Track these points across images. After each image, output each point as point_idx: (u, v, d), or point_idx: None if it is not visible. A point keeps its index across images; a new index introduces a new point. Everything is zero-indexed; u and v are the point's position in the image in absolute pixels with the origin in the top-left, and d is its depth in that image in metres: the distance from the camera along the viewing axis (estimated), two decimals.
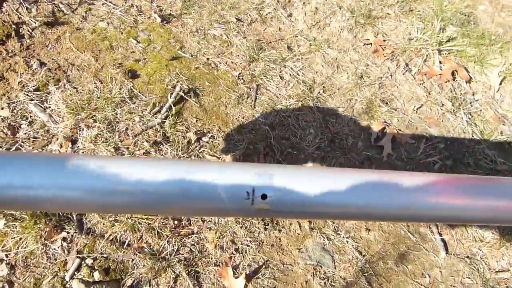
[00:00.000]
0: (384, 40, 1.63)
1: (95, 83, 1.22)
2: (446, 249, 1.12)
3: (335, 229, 1.12)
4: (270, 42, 1.55)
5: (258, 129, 1.27)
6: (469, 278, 1.09)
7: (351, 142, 1.31)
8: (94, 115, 1.13)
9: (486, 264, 1.12)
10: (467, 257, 1.12)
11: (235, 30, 1.52)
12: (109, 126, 1.13)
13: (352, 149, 1.29)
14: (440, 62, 1.57)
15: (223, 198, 0.44)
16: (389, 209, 0.46)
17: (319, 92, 1.41)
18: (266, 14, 1.64)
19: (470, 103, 1.48)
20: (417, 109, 1.42)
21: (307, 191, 0.47)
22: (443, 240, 1.14)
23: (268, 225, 1.09)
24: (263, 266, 1.02)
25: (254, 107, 1.31)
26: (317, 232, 1.10)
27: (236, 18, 1.57)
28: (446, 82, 1.51)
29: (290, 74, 1.43)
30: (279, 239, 1.07)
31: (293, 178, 0.48)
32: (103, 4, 1.46)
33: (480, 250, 1.13)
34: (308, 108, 1.34)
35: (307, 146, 1.27)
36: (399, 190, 0.47)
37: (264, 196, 0.43)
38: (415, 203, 0.47)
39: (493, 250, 1.13)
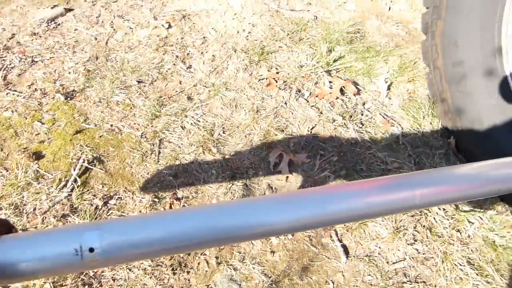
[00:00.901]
0: (277, 72, 1.82)
1: (1, 172, 1.35)
2: (347, 253, 1.26)
3: (241, 258, 1.25)
4: (171, 97, 1.72)
5: (163, 181, 1.41)
6: (369, 275, 1.23)
7: (252, 173, 1.46)
8: (0, 203, 1.26)
9: (384, 258, 1.26)
10: (367, 255, 1.26)
11: (137, 92, 1.69)
12: (16, 210, 1.26)
13: (254, 180, 1.44)
14: (330, 82, 1.76)
15: (54, 258, 0.52)
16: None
17: (219, 134, 1.57)
18: (166, 71, 1.82)
19: (361, 113, 1.66)
20: (311, 129, 1.59)
21: (131, 238, 0.59)
22: (343, 246, 1.28)
23: (176, 269, 1.21)
24: None
25: (158, 161, 1.46)
26: (224, 265, 1.23)
27: (137, 81, 1.74)
28: (336, 99, 1.70)
29: (191, 123, 1.59)
30: (188, 280, 1.20)
31: (120, 228, 0.61)
32: (7, 94, 1.61)
33: (378, 247, 1.27)
34: (209, 151, 1.50)
35: (210, 187, 1.41)
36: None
37: (91, 250, 0.50)
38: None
39: (389, 244, 1.27)
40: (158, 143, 1.49)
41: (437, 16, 1.39)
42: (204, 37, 1.99)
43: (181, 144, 1.50)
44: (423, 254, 1.26)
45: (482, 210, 1.35)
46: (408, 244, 1.27)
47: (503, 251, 1.26)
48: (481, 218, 1.34)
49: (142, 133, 1.52)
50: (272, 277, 1.20)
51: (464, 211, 1.35)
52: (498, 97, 1.27)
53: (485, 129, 1.33)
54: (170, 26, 2.03)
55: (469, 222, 1.33)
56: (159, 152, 1.47)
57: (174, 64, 1.82)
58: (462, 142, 1.46)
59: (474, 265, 1.24)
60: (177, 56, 1.85)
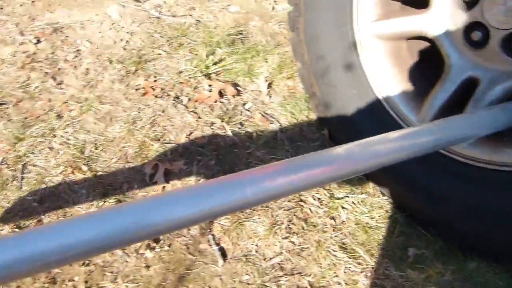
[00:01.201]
0: (155, 81, 1.78)
1: None
2: (224, 256, 1.25)
3: (113, 279, 1.19)
4: (39, 116, 1.61)
5: (26, 208, 1.31)
6: (247, 274, 1.22)
7: (126, 187, 1.40)
8: None
9: (261, 255, 1.26)
10: (244, 255, 1.26)
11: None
12: None
13: (128, 194, 1.39)
14: (210, 86, 1.75)
15: None
16: None
17: (90, 151, 1.49)
18: (34, 89, 1.71)
19: (241, 113, 1.67)
20: (189, 135, 1.57)
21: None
22: (220, 249, 1.27)
23: None
24: None
25: (21, 188, 1.36)
26: None
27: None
28: (215, 102, 1.69)
29: (60, 143, 1.50)
30: None
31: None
32: None
33: (255, 245, 1.28)
34: (79, 170, 1.42)
35: (80, 208, 1.34)
36: None
37: None
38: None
39: (266, 241, 1.28)
40: (22, 168, 1.40)
41: (298, 14, 1.43)
42: (77, 50, 1.90)
43: (48, 166, 1.41)
44: (299, 245, 1.29)
45: (354, 195, 1.41)
46: (284, 238, 1.29)
47: (373, 232, 1.33)
48: (353, 203, 1.40)
49: (2, 159, 1.41)
50: None
51: (338, 198, 1.40)
52: (358, 87, 1.34)
53: (350, 118, 1.39)
54: (39, 41, 1.92)
55: (343, 208, 1.38)
56: (22, 178, 1.37)
57: (42, 82, 1.72)
58: (333, 132, 1.52)
59: (347, 249, 1.28)
60: (46, 73, 1.75)
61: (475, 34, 1.05)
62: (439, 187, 1.23)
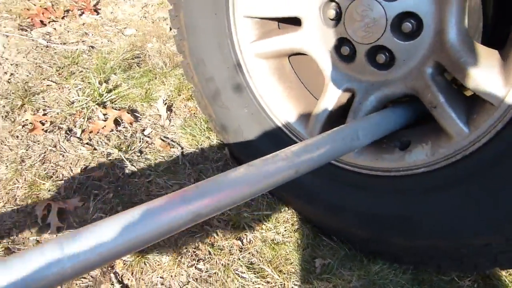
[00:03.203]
0: (44, 114, 1.72)
1: None
2: None
3: None
4: None
5: None
6: None
7: (16, 233, 1.34)
8: None
9: (167, 287, 1.26)
10: None
11: None
12: None
13: (18, 240, 1.32)
14: (104, 114, 1.73)
15: None
16: None
17: None
18: None
19: (140, 140, 1.67)
20: (84, 169, 1.53)
21: None
22: (124, 287, 1.25)
23: None
24: None
25: None
26: None
27: None
28: (111, 131, 1.67)
29: None
30: None
31: None
32: None
33: (160, 277, 1.27)
34: None
35: None
36: None
37: None
38: None
39: (172, 271, 1.29)
40: None
41: (182, 37, 1.48)
42: None
43: None
44: (206, 271, 1.31)
45: (259, 212, 1.47)
46: (190, 266, 1.31)
47: (280, 248, 1.39)
48: (259, 220, 1.46)
49: None
50: None
51: (244, 217, 1.45)
52: (248, 106, 1.40)
53: (246, 137, 1.46)
54: None
55: (249, 226, 1.43)
56: None
57: None
58: (233, 152, 1.57)
59: (255, 269, 1.33)
60: None
61: (344, 49, 1.16)
62: (333, 196, 1.33)
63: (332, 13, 1.13)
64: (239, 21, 1.31)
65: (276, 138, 1.37)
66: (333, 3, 1.13)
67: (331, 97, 1.27)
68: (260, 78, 1.37)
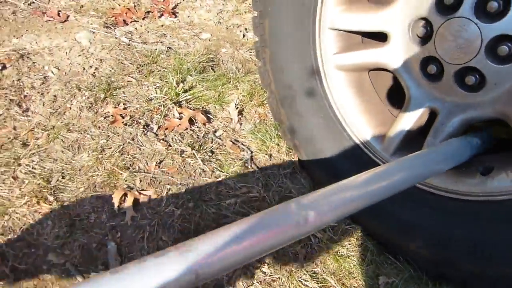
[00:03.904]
0: (124, 108, 1.85)
1: None
2: None
3: None
4: (3, 145, 1.65)
5: None
6: None
7: (94, 218, 1.45)
8: None
9: (231, 285, 1.32)
10: (215, 285, 1.31)
11: None
12: None
13: (96, 225, 1.43)
14: (180, 113, 1.83)
15: None
16: None
17: (57, 180, 1.53)
18: None
19: (211, 141, 1.75)
20: (159, 164, 1.63)
21: None
22: None
23: None
24: None
25: None
26: None
27: None
28: (185, 130, 1.77)
29: (25, 172, 1.54)
30: None
31: None
32: None
33: (226, 275, 1.33)
34: (45, 200, 1.46)
35: (45, 240, 1.37)
36: None
37: None
38: None
39: (236, 271, 1.34)
40: None
41: (264, 44, 1.54)
42: (45, 77, 1.96)
43: (12, 196, 1.45)
44: (270, 276, 1.35)
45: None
46: (255, 268, 1.35)
47: (343, 260, 1.41)
48: (324, 231, 1.48)
49: None
50: None
51: None
52: (322, 116, 1.44)
53: (316, 145, 1.49)
54: (4, 67, 1.97)
55: (315, 236, 1.46)
56: None
57: (7, 109, 1.76)
58: (302, 160, 1.61)
59: (318, 278, 1.36)
60: (11, 100, 1.80)
61: (431, 67, 1.17)
62: (405, 215, 1.33)
63: (422, 31, 1.15)
64: (324, 32, 1.35)
65: (348, 151, 1.40)
66: (424, 21, 1.14)
67: (411, 115, 1.27)
68: (338, 89, 1.40)
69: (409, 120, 1.28)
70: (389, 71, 1.31)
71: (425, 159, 1.02)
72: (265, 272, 1.37)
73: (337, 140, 1.41)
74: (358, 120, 1.40)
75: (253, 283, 1.34)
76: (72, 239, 1.38)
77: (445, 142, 1.16)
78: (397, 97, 1.34)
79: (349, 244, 1.45)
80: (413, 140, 1.30)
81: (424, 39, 1.16)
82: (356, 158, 1.38)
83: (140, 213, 1.48)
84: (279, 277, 1.36)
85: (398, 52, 1.24)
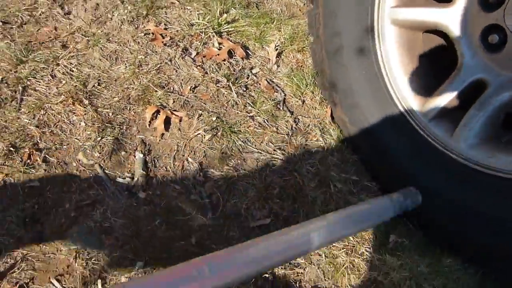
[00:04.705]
0: (165, 28, 1.85)
1: None
2: (213, 210, 1.35)
3: (102, 212, 1.29)
4: (43, 43, 1.67)
5: (23, 130, 1.39)
6: (232, 231, 1.34)
7: (125, 128, 1.49)
8: None
9: (249, 215, 1.38)
10: (234, 214, 1.37)
11: (1, 34, 1.61)
12: None
13: (126, 135, 1.48)
14: (220, 43, 1.83)
15: None
16: None
17: (93, 86, 1.57)
18: (40, 14, 1.75)
19: (247, 76, 1.76)
20: (193, 89, 1.65)
21: None
22: (210, 203, 1.38)
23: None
24: None
25: (19, 109, 1.43)
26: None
27: (2, 21, 1.66)
28: (223, 61, 1.78)
29: (63, 72, 1.57)
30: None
31: None
32: None
33: (245, 206, 1.39)
34: (80, 102, 1.50)
35: (77, 139, 1.42)
36: None
37: None
38: None
39: (254, 204, 1.39)
40: (21, 90, 1.46)
41: None
42: None
43: (49, 93, 1.48)
44: (286, 214, 1.40)
45: (347, 176, 1.53)
46: (274, 203, 1.40)
47: None
48: (345, 182, 1.52)
49: (2, 78, 1.47)
50: (133, 230, 1.26)
51: (332, 175, 1.52)
52: (367, 70, 1.44)
53: (354, 99, 1.51)
54: None
55: (334, 186, 1.50)
56: (22, 100, 1.44)
57: (49, 8, 1.77)
58: (336, 111, 1.63)
59: None
60: (54, 0, 1.79)
61: (492, 37, 1.16)
62: (431, 181, 1.35)
63: None
64: None
65: (385, 107, 1.41)
66: None
67: (459, 84, 1.28)
68: (389, 46, 1.39)
69: (455, 88, 1.28)
70: (445, 35, 1.29)
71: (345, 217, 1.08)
72: (284, 209, 1.42)
73: (377, 98, 1.42)
74: (403, 80, 1.40)
75: (270, 215, 1.39)
76: (103, 143, 1.43)
77: (366, 201, 1.25)
78: (446, 63, 1.34)
79: (367, 198, 1.49)
80: (455, 111, 1.31)
81: (493, 6, 1.14)
82: (393, 119, 1.39)
83: (169, 132, 1.52)
84: (295, 215, 1.41)
85: (461, 15, 1.22)
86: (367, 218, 1.14)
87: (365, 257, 1.36)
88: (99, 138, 1.42)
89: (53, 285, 1.16)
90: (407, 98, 1.39)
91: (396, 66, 1.41)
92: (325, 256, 1.35)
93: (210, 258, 0.82)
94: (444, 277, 1.36)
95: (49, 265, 1.17)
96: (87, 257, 1.20)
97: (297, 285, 1.29)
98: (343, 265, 1.33)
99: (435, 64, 1.44)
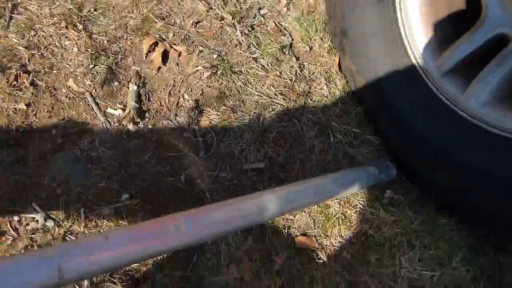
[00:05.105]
0: None
1: None
2: (206, 150, 1.30)
3: (90, 141, 1.24)
4: None
5: (11, 50, 1.32)
6: (224, 172, 1.29)
7: (120, 58, 1.42)
8: None
9: (243, 157, 1.33)
10: (227, 155, 1.32)
11: None
12: None
13: (121, 65, 1.41)
14: None
15: None
16: None
17: (89, 11, 1.48)
18: None
19: (254, 17, 1.67)
20: (195, 23, 1.56)
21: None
22: (204, 141, 1.32)
23: None
24: None
25: (8, 28, 1.35)
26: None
27: None
28: None
29: None
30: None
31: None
32: None
33: (240, 147, 1.33)
34: (74, 27, 1.42)
35: (68, 65, 1.35)
36: None
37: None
38: None
39: (250, 146, 1.34)
40: (11, 8, 1.38)
41: None
42: None
43: (41, 14, 1.40)
44: (283, 160, 1.35)
45: (348, 127, 1.47)
46: (269, 148, 1.35)
47: (356, 166, 1.40)
48: (345, 134, 1.46)
49: None
50: (122, 163, 1.21)
51: (332, 126, 1.46)
52: (383, 17, 1.35)
53: (366, 46, 1.42)
54: None
55: (334, 137, 1.44)
56: (11, 18, 1.37)
57: None
58: (344, 60, 1.54)
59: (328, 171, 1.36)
60: None
61: None
62: (436, 137, 1.29)
63: None
64: None
65: (396, 58, 1.33)
66: None
67: (480, 37, 1.19)
68: None
69: (475, 42, 1.20)
70: None
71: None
72: (279, 154, 1.37)
73: (389, 48, 1.34)
74: (419, 30, 1.31)
75: (265, 158, 1.35)
76: (95, 71, 1.37)
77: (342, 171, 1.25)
78: (467, 15, 1.24)
79: (366, 154, 1.44)
80: (468, 65, 1.23)
81: None
82: (403, 71, 1.31)
83: (167, 66, 1.45)
84: (292, 164, 1.36)
85: None
86: (339, 187, 1.19)
87: (358, 209, 1.32)
88: (92, 66, 1.36)
89: (35, 209, 1.12)
90: (421, 50, 1.30)
91: (414, 14, 1.33)
92: (317, 205, 1.31)
93: (187, 215, 0.86)
94: (437, 236, 1.33)
95: (32, 189, 1.13)
96: (71, 184, 1.16)
97: (286, 232, 1.26)
98: (335, 216, 1.30)
99: (454, 15, 1.35)
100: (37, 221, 1.10)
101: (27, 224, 1.11)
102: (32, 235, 1.10)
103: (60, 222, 1.13)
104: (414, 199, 1.40)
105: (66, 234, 1.13)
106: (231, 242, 1.20)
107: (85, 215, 1.14)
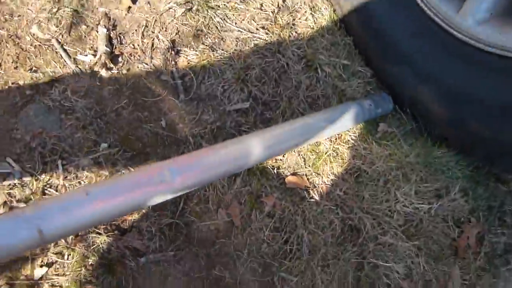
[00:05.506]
0: None
1: None
2: (186, 92, 1.24)
3: (62, 91, 1.17)
4: None
5: None
6: (206, 114, 1.23)
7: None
8: None
9: (225, 98, 1.26)
10: (209, 96, 1.26)
11: None
12: None
13: (87, 7, 1.32)
14: None
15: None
16: None
17: None
18: None
19: None
20: None
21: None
22: (183, 84, 1.25)
23: None
24: None
25: None
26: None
27: None
28: None
29: None
30: None
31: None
32: None
33: (222, 88, 1.27)
34: None
35: (30, 10, 1.27)
36: None
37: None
38: None
39: (231, 86, 1.27)
40: None
41: None
42: None
43: None
44: (268, 97, 1.29)
45: (337, 60, 1.39)
46: (253, 86, 1.28)
47: (345, 97, 1.34)
48: (334, 67, 1.39)
49: None
50: (97, 111, 1.15)
51: (320, 59, 1.38)
52: None
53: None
54: None
55: (322, 70, 1.37)
56: None
57: None
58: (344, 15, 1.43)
59: (316, 110, 1.30)
60: None
61: None
62: (427, 61, 1.21)
63: None
64: None
65: (406, 9, 1.21)
66: None
67: None
68: None
69: None
70: None
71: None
72: (264, 92, 1.30)
73: None
74: None
75: (247, 100, 1.28)
76: (60, 16, 1.28)
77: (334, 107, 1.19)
78: None
79: (358, 85, 1.37)
80: (497, 17, 1.12)
81: None
82: (416, 19, 1.20)
83: (137, 6, 1.35)
84: (276, 100, 1.30)
85: None
86: (336, 122, 1.15)
87: (350, 145, 1.27)
88: (55, 10, 1.26)
89: (10, 164, 1.07)
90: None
91: None
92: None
93: (171, 163, 0.84)
94: (433, 168, 1.28)
95: (4, 144, 1.08)
96: (45, 136, 1.10)
97: (275, 172, 1.22)
98: (326, 153, 1.25)
99: None
100: (13, 176, 1.06)
101: (4, 179, 1.07)
102: (10, 191, 1.06)
103: (38, 175, 1.08)
104: (409, 132, 1.35)
105: (46, 188, 1.09)
106: (218, 186, 1.15)
107: (63, 167, 1.10)
